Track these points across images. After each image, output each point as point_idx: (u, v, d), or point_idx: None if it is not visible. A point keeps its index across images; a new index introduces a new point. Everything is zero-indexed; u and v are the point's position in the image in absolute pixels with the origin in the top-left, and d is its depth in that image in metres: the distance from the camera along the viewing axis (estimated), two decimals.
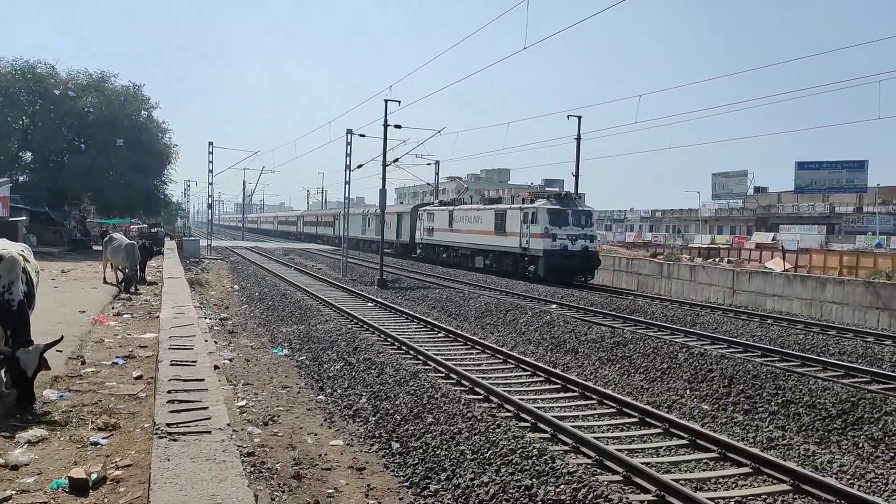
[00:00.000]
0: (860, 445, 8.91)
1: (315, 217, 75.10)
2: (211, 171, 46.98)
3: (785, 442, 8.92)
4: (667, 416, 9.47)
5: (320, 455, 7.79)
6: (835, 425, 9.53)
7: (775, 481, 7.27)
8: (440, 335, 16.15)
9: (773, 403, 10.47)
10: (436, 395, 9.83)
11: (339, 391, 10.72)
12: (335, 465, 7.53)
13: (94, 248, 34.40)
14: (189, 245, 41.21)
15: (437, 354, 13.31)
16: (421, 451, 7.82)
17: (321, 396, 10.53)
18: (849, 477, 7.68)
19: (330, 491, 6.77)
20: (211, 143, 46.19)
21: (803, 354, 13.98)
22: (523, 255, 31.10)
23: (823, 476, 7.43)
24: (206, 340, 11.34)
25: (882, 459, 8.48)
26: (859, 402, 9.97)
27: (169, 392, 5.84)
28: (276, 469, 7.10)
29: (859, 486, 7.39)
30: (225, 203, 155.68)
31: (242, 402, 9.60)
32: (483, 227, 34.74)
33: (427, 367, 12.46)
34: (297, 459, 7.50)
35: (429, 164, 47.08)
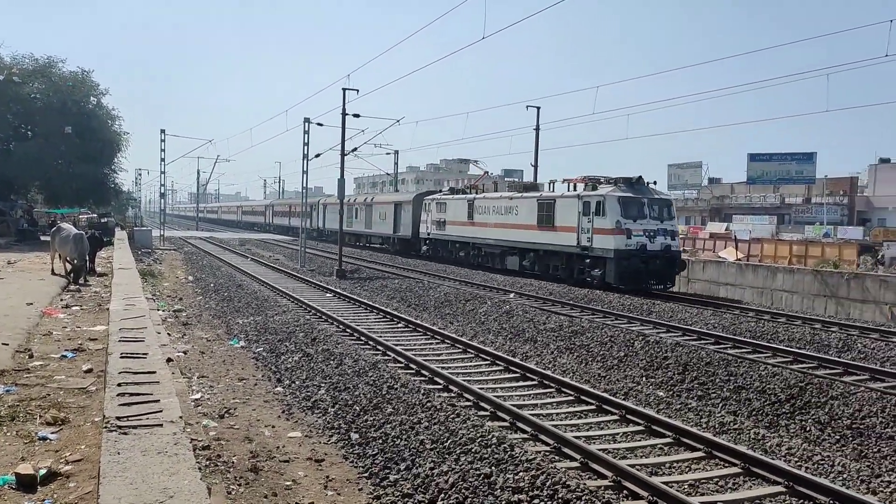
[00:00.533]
0: (807, 429, 9.19)
1: (287, 207, 67.28)
2: (163, 160, 46.20)
3: (736, 426, 9.14)
4: (623, 403, 9.61)
5: (278, 447, 7.71)
6: (784, 410, 9.81)
7: (727, 465, 7.45)
8: (400, 325, 16.11)
9: (725, 389, 10.72)
10: (395, 386, 9.81)
11: (297, 383, 10.61)
12: (293, 457, 7.45)
13: (42, 238, 33.55)
14: (141, 235, 40.35)
15: (396, 345, 13.27)
16: (380, 441, 7.79)
17: (279, 388, 10.41)
18: (797, 459, 7.91)
19: (288, 483, 6.70)
20: (163, 131, 45.47)
21: (754, 341, 14.34)
22: (583, 255, 24.79)
23: (773, 459, 7.63)
24: (159, 332, 11.13)
25: (828, 442, 8.76)
26: (807, 387, 10.28)
27: (119, 385, 5.71)
28: (233, 462, 6.99)
29: (807, 468, 7.62)
30: (178, 192, 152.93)
31: (197, 395, 9.44)
32: (520, 220, 28.21)
33: (386, 357, 12.42)
34: (254, 452, 7.40)
35: (388, 153, 47.01)
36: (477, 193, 33.22)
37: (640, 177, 25.10)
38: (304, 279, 25.65)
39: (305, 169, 33.32)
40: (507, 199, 29.69)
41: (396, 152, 50.60)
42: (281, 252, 41.17)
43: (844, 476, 7.44)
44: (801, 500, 6.62)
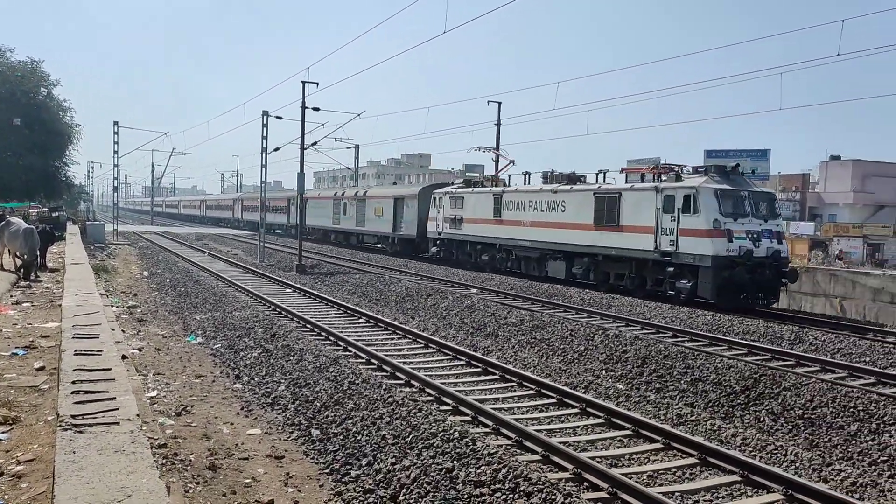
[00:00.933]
0: (761, 419, 9.42)
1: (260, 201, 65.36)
2: (116, 153, 45.15)
3: (693, 418, 9.32)
4: (584, 396, 9.72)
5: (237, 444, 7.60)
6: (738, 401, 10.04)
7: (684, 455, 7.59)
8: (361, 321, 16.02)
9: (682, 381, 10.93)
10: (356, 381, 9.75)
11: (256, 379, 10.48)
12: (253, 454, 7.36)
13: None
14: (93, 230, 39.37)
15: (357, 340, 13.20)
16: (342, 437, 7.74)
17: (237, 385, 10.27)
18: (751, 449, 8.10)
19: (247, 481, 6.62)
20: (116, 123, 44.39)
21: (710, 335, 14.63)
22: (663, 263, 20.01)
23: (728, 449, 7.80)
24: (113, 329, 10.88)
25: (781, 432, 9.00)
26: (761, 378, 10.53)
27: (73, 383, 5.56)
28: (190, 460, 6.88)
29: (761, 457, 7.81)
30: (133, 186, 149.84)
31: (153, 393, 9.26)
32: (568, 219, 23.55)
33: (347, 352, 12.34)
34: (212, 450, 7.29)
35: (348, 147, 46.68)
36: (505, 186, 28.37)
37: (737, 164, 20.42)
38: (264, 274, 25.34)
39: (264, 163, 32.94)
40: (549, 192, 24.78)
41: (357, 146, 50.31)
42: (239, 247, 40.60)
43: (797, 465, 7.64)
44: (756, 489, 6.79)
